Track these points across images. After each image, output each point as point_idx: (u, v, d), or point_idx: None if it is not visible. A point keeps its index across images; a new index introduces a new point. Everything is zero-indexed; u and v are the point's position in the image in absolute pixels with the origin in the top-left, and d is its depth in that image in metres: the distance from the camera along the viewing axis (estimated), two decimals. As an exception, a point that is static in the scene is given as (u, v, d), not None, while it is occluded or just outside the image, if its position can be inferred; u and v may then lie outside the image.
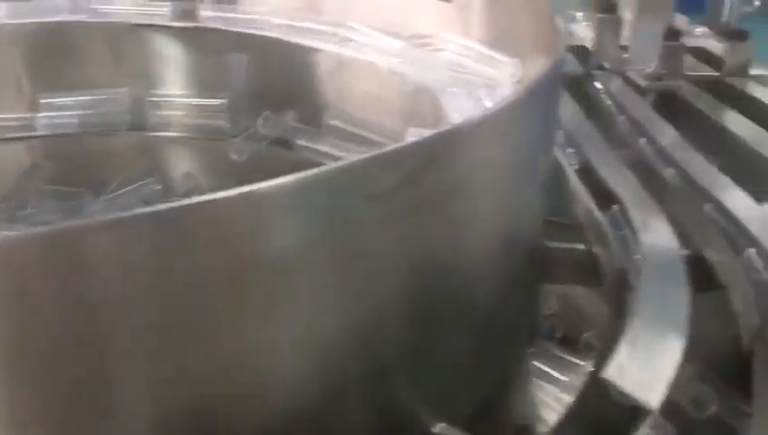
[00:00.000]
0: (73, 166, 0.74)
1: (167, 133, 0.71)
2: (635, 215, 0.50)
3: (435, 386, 0.38)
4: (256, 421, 0.32)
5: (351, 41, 0.63)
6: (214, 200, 0.27)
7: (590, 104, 0.86)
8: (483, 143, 0.35)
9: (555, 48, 0.45)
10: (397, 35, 0.63)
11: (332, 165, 0.29)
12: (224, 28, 0.69)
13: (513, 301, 0.44)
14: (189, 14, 0.69)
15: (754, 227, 0.48)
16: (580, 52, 0.94)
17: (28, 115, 0.70)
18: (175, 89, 0.71)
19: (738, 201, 0.53)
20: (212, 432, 0.31)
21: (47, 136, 0.71)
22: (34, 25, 0.70)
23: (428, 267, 0.35)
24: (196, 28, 0.69)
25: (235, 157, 0.68)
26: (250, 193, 0.28)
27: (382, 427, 0.36)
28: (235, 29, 0.69)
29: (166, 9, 0.70)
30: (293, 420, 0.33)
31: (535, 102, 0.40)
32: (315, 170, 0.29)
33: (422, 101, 0.57)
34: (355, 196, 0.29)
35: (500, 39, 0.57)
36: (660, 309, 0.39)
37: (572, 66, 0.92)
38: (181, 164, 0.73)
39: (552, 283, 0.54)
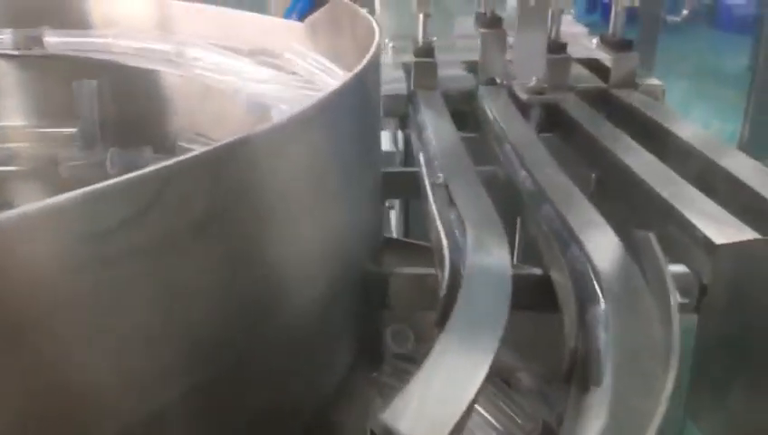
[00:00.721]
0: None
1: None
2: (473, 235, 0.48)
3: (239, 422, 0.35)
4: None
5: (198, 61, 0.61)
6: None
7: (474, 119, 0.84)
8: (265, 159, 0.33)
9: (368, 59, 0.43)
10: (244, 52, 0.61)
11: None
12: (72, 54, 0.66)
13: (332, 330, 0.42)
14: (35, 41, 0.66)
15: (592, 247, 0.46)
16: (474, 67, 0.93)
17: None
18: (19, 119, 0.67)
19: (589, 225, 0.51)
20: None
21: None
22: None
23: (197, 304, 0.33)
24: (43, 56, 0.66)
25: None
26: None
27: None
28: (84, 55, 0.65)
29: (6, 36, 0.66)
30: None
31: (335, 111, 0.38)
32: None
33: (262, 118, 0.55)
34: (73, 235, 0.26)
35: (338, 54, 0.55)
36: (467, 336, 0.37)
37: (465, 81, 0.91)
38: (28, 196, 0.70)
39: (398, 310, 0.52)
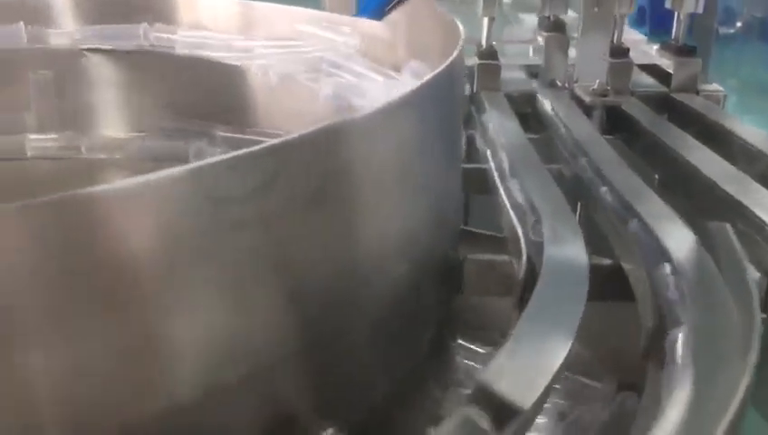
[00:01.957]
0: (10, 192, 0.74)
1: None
2: (550, 227, 0.50)
3: (323, 391, 0.38)
4: (148, 415, 0.32)
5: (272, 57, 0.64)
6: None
7: (537, 120, 0.86)
8: (362, 143, 0.36)
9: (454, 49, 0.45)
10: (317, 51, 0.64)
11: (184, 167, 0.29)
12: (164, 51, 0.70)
13: (414, 310, 0.44)
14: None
15: (666, 238, 0.48)
16: (534, 70, 0.95)
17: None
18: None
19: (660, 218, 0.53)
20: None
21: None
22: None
23: (308, 271, 0.35)
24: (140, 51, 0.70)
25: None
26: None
27: (267, 429, 0.36)
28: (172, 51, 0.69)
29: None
30: (178, 420, 0.33)
31: (428, 101, 0.41)
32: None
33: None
34: (205, 199, 0.29)
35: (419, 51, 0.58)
36: (550, 314, 0.39)
37: (525, 83, 0.93)
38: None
39: (471, 294, 0.54)
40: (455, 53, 0.45)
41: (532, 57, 1.01)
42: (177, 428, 0.34)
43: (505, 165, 0.64)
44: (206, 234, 0.31)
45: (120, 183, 0.28)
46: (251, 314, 0.34)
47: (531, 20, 1.11)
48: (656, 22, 0.96)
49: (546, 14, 0.91)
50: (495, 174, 0.63)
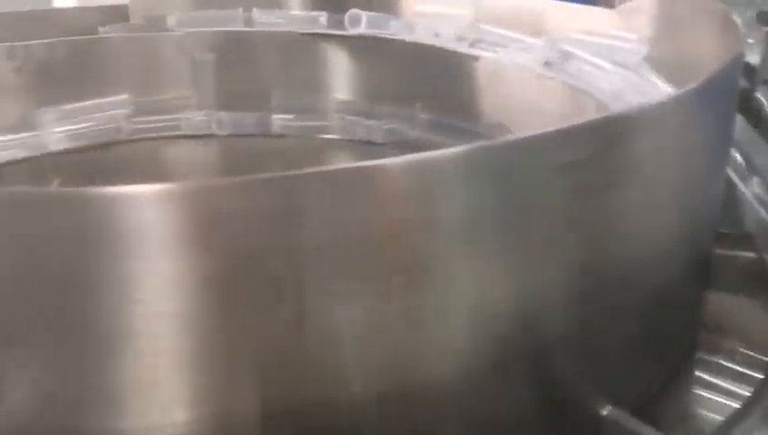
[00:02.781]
0: (240, 165, 0.79)
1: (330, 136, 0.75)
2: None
3: (602, 370, 0.38)
4: (420, 387, 0.33)
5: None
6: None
7: (756, 118, 0.82)
8: (662, 130, 0.36)
9: (731, 46, 0.44)
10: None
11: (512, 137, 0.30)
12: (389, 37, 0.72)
13: (681, 298, 0.43)
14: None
15: None
16: (746, 68, 0.91)
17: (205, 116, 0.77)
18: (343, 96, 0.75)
19: None
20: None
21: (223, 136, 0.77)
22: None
23: (599, 249, 0.36)
24: (361, 36, 0.73)
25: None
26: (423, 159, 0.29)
27: (549, 405, 0.36)
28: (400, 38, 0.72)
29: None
30: (454, 393, 0.34)
31: (713, 96, 0.40)
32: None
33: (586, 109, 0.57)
34: (538, 167, 0.30)
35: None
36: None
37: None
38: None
39: (718, 290, 0.52)
40: (736, 49, 0.43)
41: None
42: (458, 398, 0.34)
43: (740, 160, 0.62)
44: (514, 206, 0.32)
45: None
46: (537, 290, 0.35)
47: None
48: None
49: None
50: (730, 169, 0.61)
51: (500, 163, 0.30)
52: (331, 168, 0.30)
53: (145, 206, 0.28)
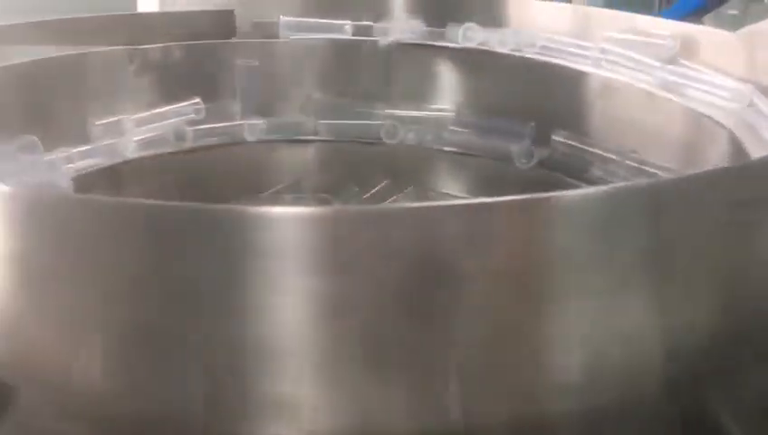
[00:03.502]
0: (337, 171, 0.80)
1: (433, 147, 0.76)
2: None
3: (741, 406, 0.38)
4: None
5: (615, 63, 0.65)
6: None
7: None
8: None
9: None
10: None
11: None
12: (496, 51, 0.73)
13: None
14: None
15: None
16: None
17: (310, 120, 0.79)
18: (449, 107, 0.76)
19: None
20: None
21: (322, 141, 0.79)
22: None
23: (750, 282, 0.36)
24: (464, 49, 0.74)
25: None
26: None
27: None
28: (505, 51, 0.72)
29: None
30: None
31: None
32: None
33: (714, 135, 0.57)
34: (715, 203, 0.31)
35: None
36: None
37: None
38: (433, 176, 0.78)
39: None
40: None
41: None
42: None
43: None
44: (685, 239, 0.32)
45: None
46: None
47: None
48: None
49: None
50: None
51: (679, 197, 0.31)
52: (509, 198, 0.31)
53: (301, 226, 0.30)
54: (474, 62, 0.75)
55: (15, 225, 0.33)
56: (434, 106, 0.77)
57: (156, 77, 0.75)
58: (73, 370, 0.33)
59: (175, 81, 0.76)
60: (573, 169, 0.67)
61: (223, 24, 0.88)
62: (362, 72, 0.79)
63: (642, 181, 0.30)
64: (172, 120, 0.74)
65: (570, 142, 0.67)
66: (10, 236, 0.33)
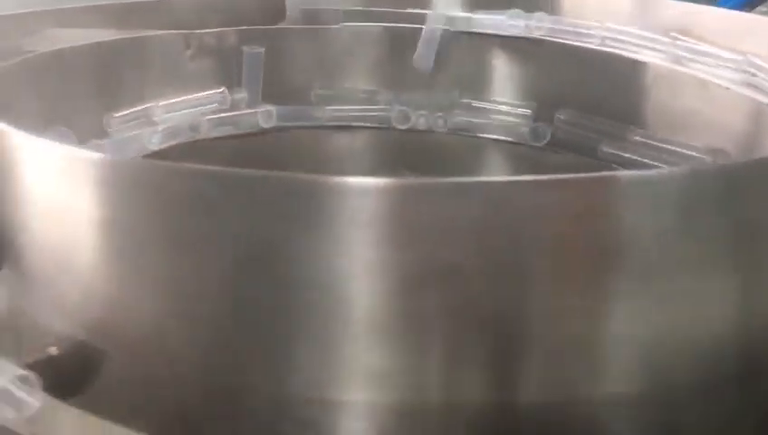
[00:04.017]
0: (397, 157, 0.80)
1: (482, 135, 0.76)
2: None
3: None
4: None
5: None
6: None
7: None
8: None
9: None
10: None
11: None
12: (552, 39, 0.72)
13: None
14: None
15: None
16: None
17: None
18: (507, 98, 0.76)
19: None
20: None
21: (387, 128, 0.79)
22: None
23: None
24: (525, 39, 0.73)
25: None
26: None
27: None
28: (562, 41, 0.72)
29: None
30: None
31: None
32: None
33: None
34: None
35: None
36: None
37: None
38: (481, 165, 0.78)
39: None
40: None
41: None
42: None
43: None
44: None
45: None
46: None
47: None
48: None
49: None
50: None
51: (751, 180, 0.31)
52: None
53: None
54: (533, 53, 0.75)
55: (109, 192, 0.33)
56: (491, 96, 0.77)
57: (212, 62, 0.75)
58: (163, 337, 0.34)
59: (230, 66, 0.76)
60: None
61: (272, 9, 0.88)
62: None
63: (720, 163, 0.30)
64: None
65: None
66: (104, 202, 0.33)
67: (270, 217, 0.31)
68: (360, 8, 0.84)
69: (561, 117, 0.73)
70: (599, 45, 0.71)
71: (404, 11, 0.82)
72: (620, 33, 0.70)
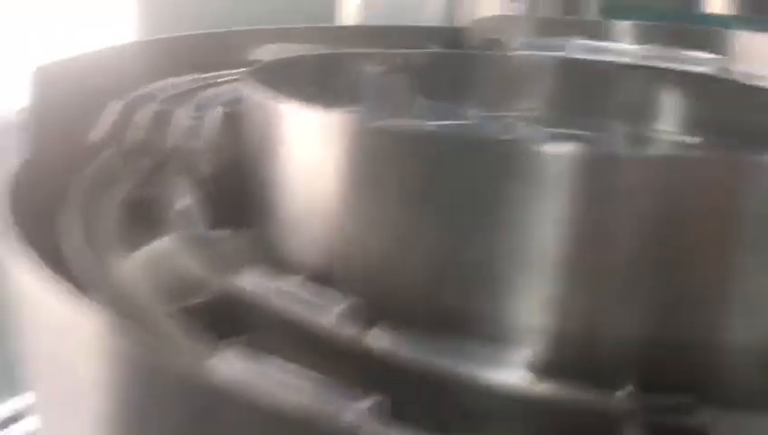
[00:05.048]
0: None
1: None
2: None
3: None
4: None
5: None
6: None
7: None
8: None
9: None
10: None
11: None
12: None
13: None
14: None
15: None
16: None
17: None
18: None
19: None
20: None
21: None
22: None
23: None
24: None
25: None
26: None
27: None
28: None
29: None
30: None
31: None
32: None
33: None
34: None
35: None
36: None
37: None
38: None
39: None
40: None
41: None
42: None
43: None
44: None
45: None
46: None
47: None
48: None
49: None
50: None
51: None
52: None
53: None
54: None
55: (356, 151, 0.43)
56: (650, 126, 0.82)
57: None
58: (390, 265, 0.43)
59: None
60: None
61: (453, 39, 0.98)
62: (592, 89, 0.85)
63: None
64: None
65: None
66: (351, 160, 0.43)
67: (487, 178, 0.40)
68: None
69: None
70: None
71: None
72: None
